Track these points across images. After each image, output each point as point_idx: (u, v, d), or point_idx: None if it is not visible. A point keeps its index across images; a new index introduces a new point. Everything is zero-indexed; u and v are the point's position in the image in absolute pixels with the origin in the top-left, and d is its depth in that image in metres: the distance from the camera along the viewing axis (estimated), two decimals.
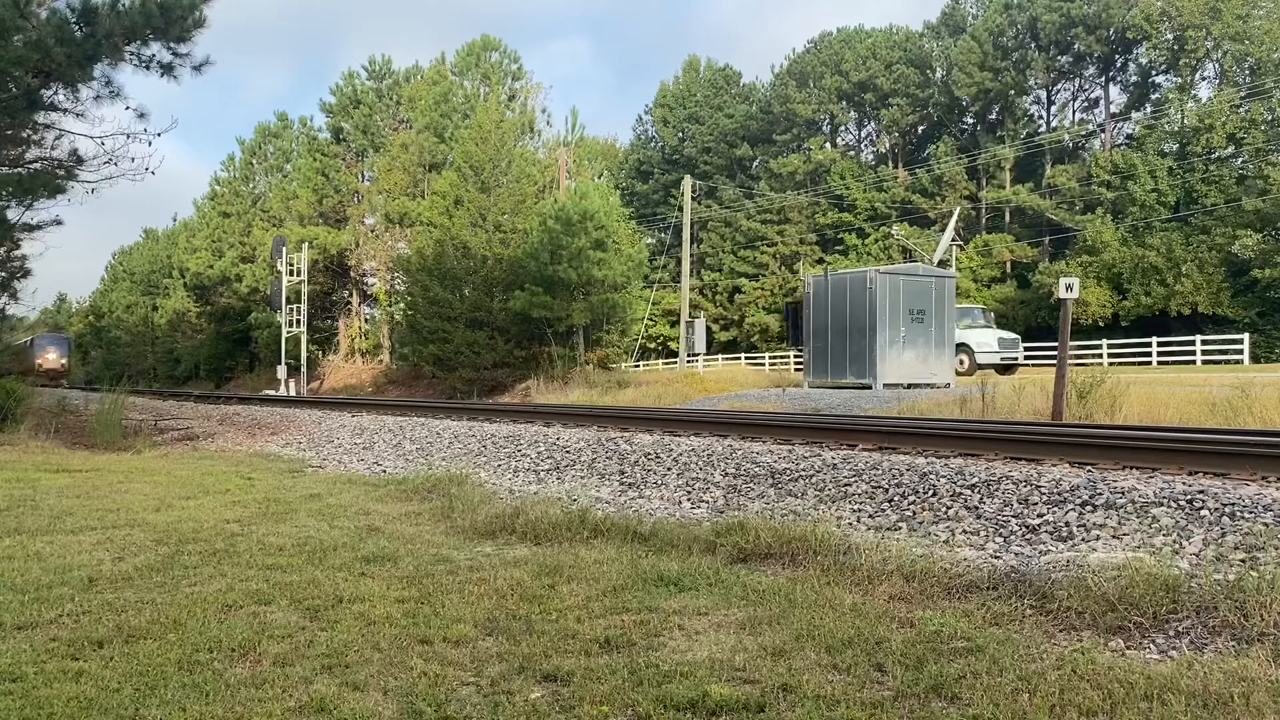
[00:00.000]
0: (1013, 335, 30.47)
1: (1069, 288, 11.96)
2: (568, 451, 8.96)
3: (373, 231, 47.96)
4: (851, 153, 58.03)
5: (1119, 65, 47.40)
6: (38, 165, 16.00)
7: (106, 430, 14.88)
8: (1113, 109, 48.60)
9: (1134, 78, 46.98)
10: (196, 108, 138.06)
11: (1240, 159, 40.06)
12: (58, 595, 4.47)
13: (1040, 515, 5.18)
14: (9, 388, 16.79)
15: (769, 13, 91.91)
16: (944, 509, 5.60)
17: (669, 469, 7.67)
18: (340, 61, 76.67)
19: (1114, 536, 4.76)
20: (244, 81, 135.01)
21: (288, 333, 37.21)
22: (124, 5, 13.18)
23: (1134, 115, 46.53)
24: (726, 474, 7.20)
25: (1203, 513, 4.74)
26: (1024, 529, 5.09)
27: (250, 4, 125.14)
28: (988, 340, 28.36)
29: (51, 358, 57.30)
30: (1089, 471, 5.90)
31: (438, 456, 10.11)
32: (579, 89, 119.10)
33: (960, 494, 5.71)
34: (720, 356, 48.03)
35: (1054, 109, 50.74)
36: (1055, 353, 13.56)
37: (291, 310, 37.25)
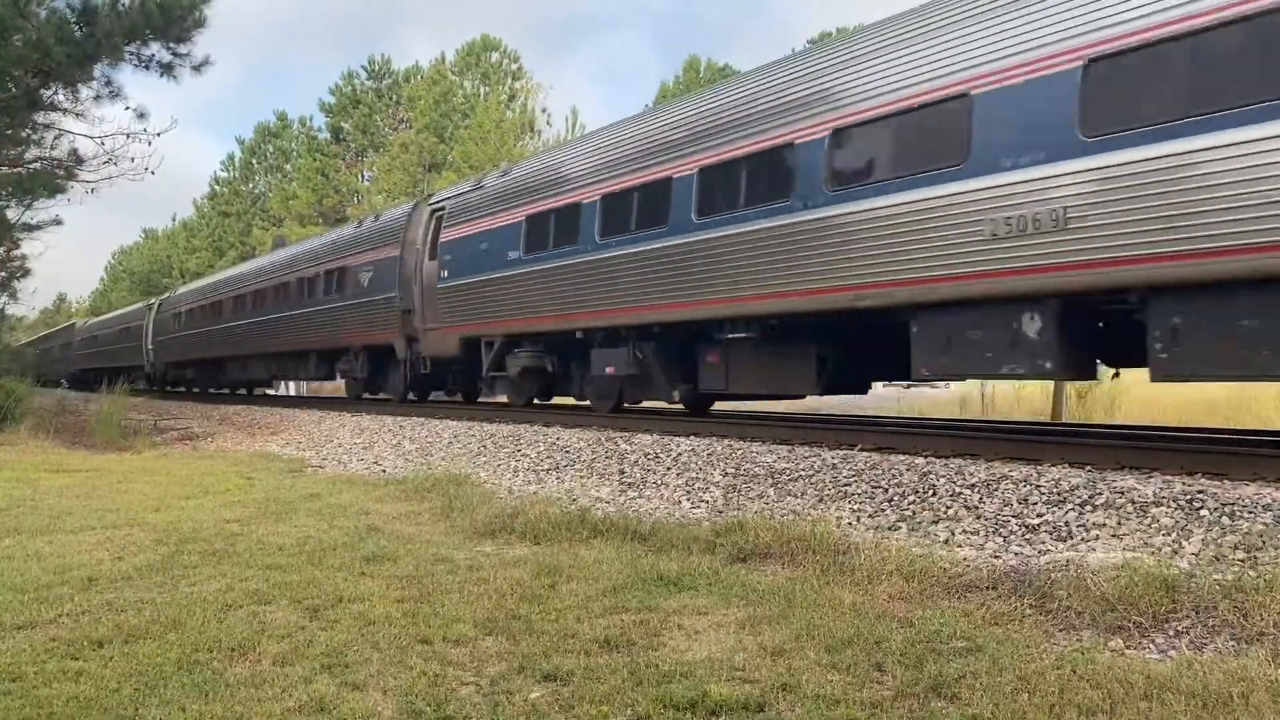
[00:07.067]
0: None
1: None
2: (567, 451, 8.96)
3: None
4: None
5: None
6: (38, 165, 16.01)
7: (106, 430, 14.89)
8: None
9: None
10: (237, 103, 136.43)
11: None
12: (58, 595, 4.47)
13: (1040, 515, 5.17)
14: (9, 388, 16.79)
15: (831, 6, 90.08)
16: (943, 508, 5.60)
17: (668, 469, 7.66)
18: (394, 54, 76.68)
19: (1113, 536, 4.76)
20: (290, 75, 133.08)
21: None
22: (124, 5, 13.18)
23: None
24: (726, 474, 7.19)
25: (1202, 513, 4.74)
26: (1023, 529, 5.09)
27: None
28: None
29: None
30: (1089, 471, 5.90)
31: (437, 456, 10.11)
32: (634, 82, 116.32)
33: (960, 493, 5.71)
34: None
35: None
36: None
37: None
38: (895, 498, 5.94)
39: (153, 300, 33.49)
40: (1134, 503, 5.00)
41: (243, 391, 27.19)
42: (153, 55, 14.04)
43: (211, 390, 27.91)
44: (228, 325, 23.30)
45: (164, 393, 29.74)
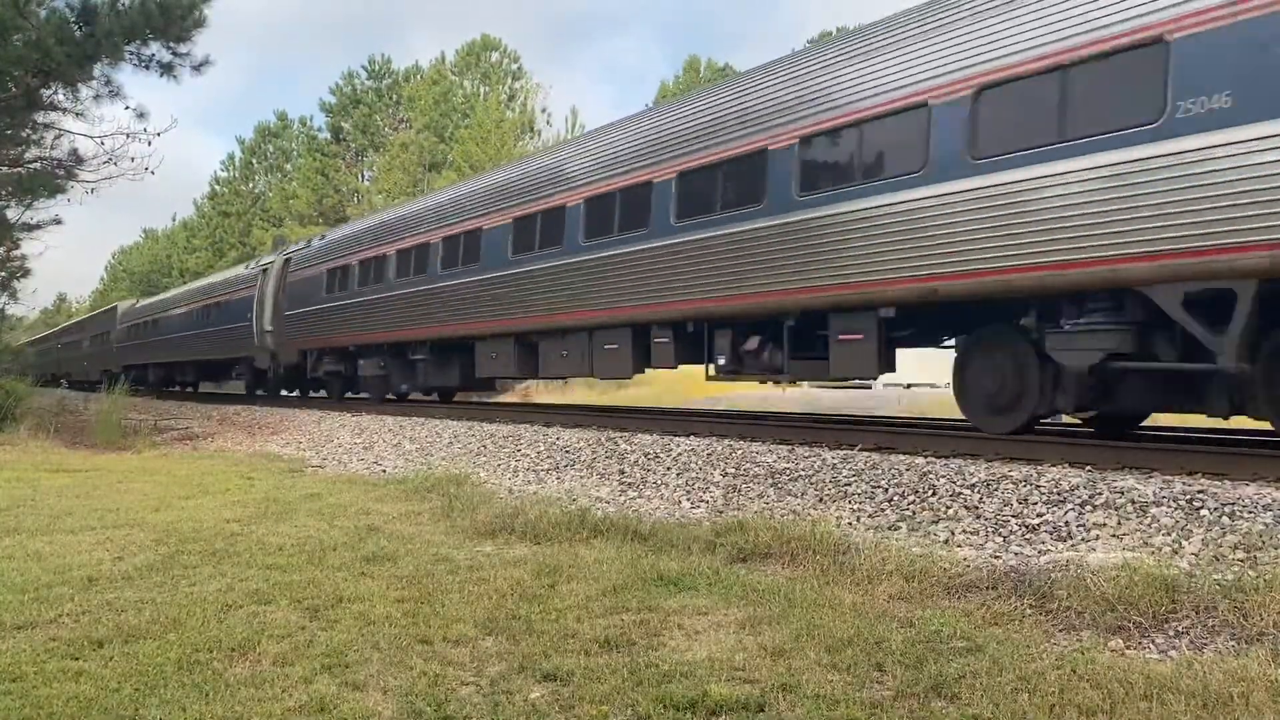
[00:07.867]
0: None
1: None
2: (568, 451, 8.96)
3: None
4: None
5: None
6: (38, 165, 16.03)
7: (106, 430, 14.87)
8: None
9: None
10: (238, 102, 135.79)
11: None
12: (58, 595, 4.47)
13: (1040, 515, 5.17)
14: (9, 388, 16.80)
15: (831, 5, 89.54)
16: (943, 508, 5.60)
17: (668, 469, 7.66)
18: (394, 54, 76.63)
19: (1113, 536, 4.76)
20: (290, 75, 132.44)
21: None
22: (123, 5, 13.20)
23: None
24: (726, 474, 7.19)
25: (1202, 513, 4.74)
26: (1023, 529, 5.09)
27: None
28: None
29: None
30: (1089, 471, 5.90)
31: (438, 456, 10.11)
32: (637, 82, 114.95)
33: (960, 493, 5.71)
34: None
35: None
36: None
37: None
38: (895, 498, 5.95)
39: (271, 257, 21.86)
40: (1134, 503, 5.00)
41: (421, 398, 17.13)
42: (153, 55, 14.06)
43: (414, 398, 17.59)
44: (496, 275, 12.86)
45: (165, 393, 25.43)
